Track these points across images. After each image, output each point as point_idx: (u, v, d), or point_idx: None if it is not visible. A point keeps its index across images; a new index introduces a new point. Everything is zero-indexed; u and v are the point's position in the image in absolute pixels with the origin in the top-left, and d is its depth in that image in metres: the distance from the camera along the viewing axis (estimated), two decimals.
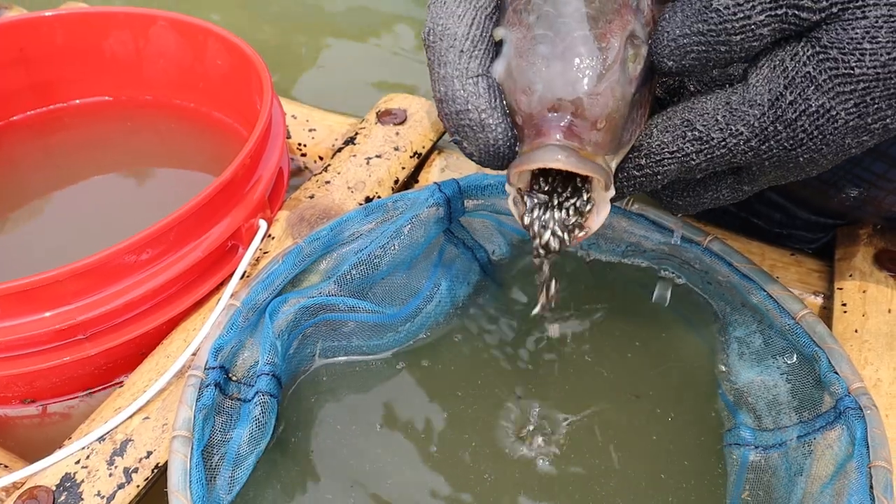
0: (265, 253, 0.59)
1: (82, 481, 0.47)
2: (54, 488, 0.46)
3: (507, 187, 0.40)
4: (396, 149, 0.67)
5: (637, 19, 0.38)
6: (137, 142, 0.75)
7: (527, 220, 0.40)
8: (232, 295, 0.53)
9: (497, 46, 0.40)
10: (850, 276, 0.59)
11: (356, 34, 1.01)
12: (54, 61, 0.73)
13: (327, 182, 0.64)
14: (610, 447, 0.53)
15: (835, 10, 0.35)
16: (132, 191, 0.72)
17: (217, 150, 0.71)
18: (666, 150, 0.40)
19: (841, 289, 0.58)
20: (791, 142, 0.37)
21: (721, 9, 0.35)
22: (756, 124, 0.37)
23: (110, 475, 0.47)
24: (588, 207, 0.40)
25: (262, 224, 0.58)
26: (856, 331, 0.55)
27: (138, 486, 0.47)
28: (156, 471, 0.48)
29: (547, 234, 0.40)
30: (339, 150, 0.67)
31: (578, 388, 0.56)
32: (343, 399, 0.55)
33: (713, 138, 0.38)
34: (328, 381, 0.55)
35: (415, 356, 0.57)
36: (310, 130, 0.73)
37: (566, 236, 0.40)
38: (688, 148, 0.39)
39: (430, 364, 0.56)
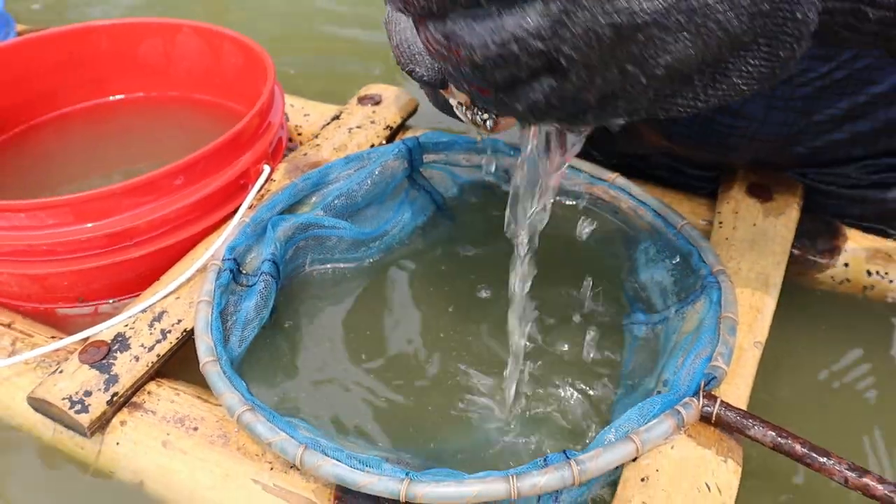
0: (268, 191, 0.75)
1: (130, 337, 0.62)
2: (110, 341, 0.62)
3: (451, 100, 0.53)
4: (373, 122, 0.84)
5: None
6: (166, 129, 0.92)
7: (469, 117, 0.54)
8: (242, 215, 0.70)
9: None
10: (727, 203, 0.75)
11: (343, 42, 1.21)
12: (98, 63, 0.91)
13: (317, 144, 0.81)
14: (544, 322, 0.68)
15: None
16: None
17: None
18: None
19: (720, 212, 0.75)
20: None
21: None
22: None
23: (150, 334, 0.63)
24: None
25: (266, 168, 0.75)
26: (727, 238, 0.71)
27: (171, 343, 0.63)
28: (184, 333, 0.63)
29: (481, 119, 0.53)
30: (327, 124, 0.85)
31: None
32: (327, 294, 0.70)
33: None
34: (317, 281, 0.71)
35: (385, 266, 0.73)
36: (305, 115, 0.90)
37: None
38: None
39: (395, 270, 0.73)
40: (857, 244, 0.74)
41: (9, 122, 0.90)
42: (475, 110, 0.53)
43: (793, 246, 0.72)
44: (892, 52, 0.42)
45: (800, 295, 0.73)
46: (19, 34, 1.04)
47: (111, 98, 0.94)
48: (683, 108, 0.39)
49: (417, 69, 0.54)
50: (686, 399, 0.54)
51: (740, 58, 0.37)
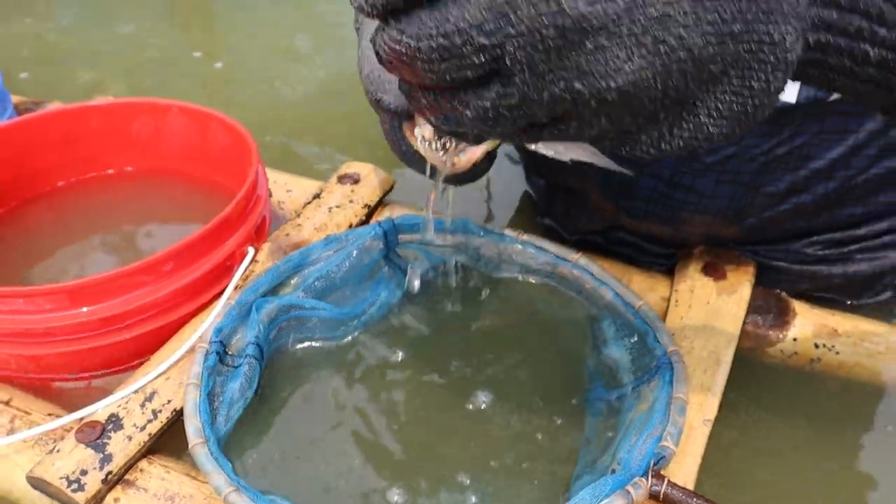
0: (252, 272, 0.80)
1: (123, 417, 0.67)
2: (104, 421, 0.66)
3: (416, 132, 0.57)
4: (352, 201, 0.89)
5: None
6: (156, 202, 0.97)
7: (431, 150, 0.58)
8: (228, 298, 0.74)
9: None
10: (684, 281, 0.80)
11: (324, 122, 1.27)
12: (92, 140, 0.96)
13: (299, 224, 0.86)
14: (504, 397, 0.73)
15: None
16: (153, 239, 0.93)
17: (218, 208, 0.92)
18: None
19: (676, 290, 0.80)
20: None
21: None
22: None
23: (143, 413, 0.67)
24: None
25: (251, 250, 0.79)
26: (681, 318, 0.76)
27: (161, 422, 0.67)
28: (174, 413, 0.68)
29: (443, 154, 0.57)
30: (309, 202, 0.89)
31: (487, 357, 0.77)
32: (309, 372, 0.75)
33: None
34: (299, 359, 0.76)
35: (363, 343, 0.78)
36: (287, 191, 0.95)
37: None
38: None
39: (373, 348, 0.77)
40: (805, 319, 0.79)
41: (6, 197, 0.94)
42: (437, 145, 0.57)
43: (744, 322, 0.78)
44: (887, 111, 0.41)
45: (749, 368, 0.78)
46: (15, 105, 1.08)
47: (104, 172, 0.99)
48: (647, 147, 0.37)
49: (385, 97, 0.59)
50: (636, 479, 0.59)
51: (709, 93, 0.35)
